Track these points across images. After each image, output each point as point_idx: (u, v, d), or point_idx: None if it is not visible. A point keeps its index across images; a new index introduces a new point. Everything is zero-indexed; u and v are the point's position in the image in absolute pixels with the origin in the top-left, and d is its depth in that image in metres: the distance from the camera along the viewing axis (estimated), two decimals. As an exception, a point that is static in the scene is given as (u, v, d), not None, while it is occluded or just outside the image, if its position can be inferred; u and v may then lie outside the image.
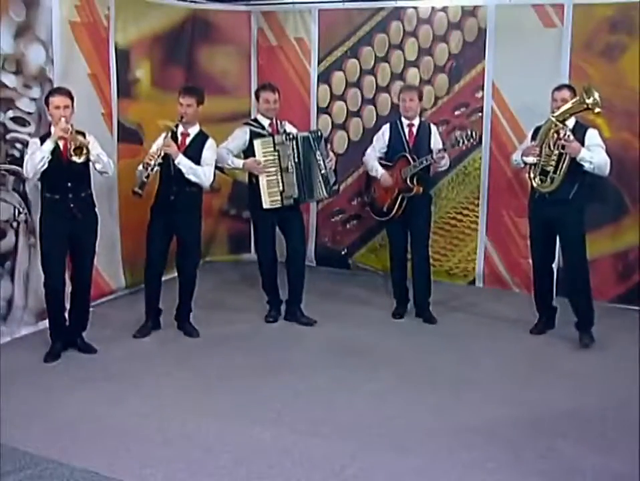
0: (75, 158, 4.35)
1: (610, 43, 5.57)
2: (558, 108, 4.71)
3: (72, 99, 4.45)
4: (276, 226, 5.34)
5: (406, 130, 5.31)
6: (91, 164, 4.54)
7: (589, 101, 4.53)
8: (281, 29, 6.67)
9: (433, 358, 4.76)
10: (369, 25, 6.38)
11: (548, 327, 5.17)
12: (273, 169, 5.13)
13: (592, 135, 4.76)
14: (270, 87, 5.29)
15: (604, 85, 5.25)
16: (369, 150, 5.44)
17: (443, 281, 6.26)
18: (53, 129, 4.43)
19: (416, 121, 5.33)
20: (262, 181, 5.14)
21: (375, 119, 6.44)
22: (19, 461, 3.38)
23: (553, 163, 4.71)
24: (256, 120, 5.31)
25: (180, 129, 4.90)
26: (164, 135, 4.80)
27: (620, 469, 3.38)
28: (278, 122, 5.29)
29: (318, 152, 5.14)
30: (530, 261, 5.22)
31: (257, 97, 5.31)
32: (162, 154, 4.71)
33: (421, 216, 5.36)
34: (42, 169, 4.35)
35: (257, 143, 5.13)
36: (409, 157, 5.22)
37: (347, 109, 6.57)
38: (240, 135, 5.24)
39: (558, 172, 4.70)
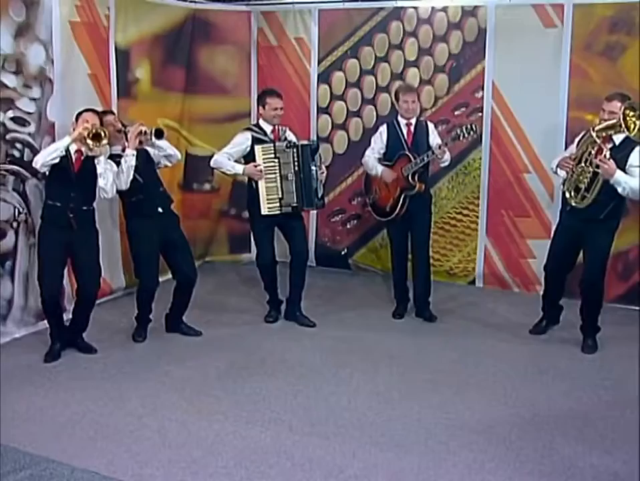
0: (91, 143, 4.33)
1: (610, 43, 5.57)
2: (605, 120, 4.44)
3: (100, 119, 4.52)
4: (274, 229, 5.33)
5: (404, 129, 5.30)
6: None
7: (638, 123, 4.25)
8: (281, 29, 6.66)
9: (433, 358, 4.76)
10: (369, 25, 6.37)
11: (552, 324, 5.16)
12: (273, 176, 5.13)
13: (637, 154, 4.47)
14: (278, 93, 5.26)
15: (604, 85, 5.24)
16: (367, 152, 5.43)
17: (443, 281, 6.26)
18: (74, 130, 4.42)
19: (413, 120, 5.33)
20: (262, 188, 5.13)
21: (375, 119, 6.43)
22: (19, 461, 3.38)
23: (586, 181, 4.53)
24: (258, 126, 5.28)
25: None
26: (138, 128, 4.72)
27: (620, 469, 3.38)
28: (280, 128, 5.28)
29: (312, 163, 5.14)
30: (543, 264, 5.09)
31: (263, 103, 5.21)
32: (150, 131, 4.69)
33: (422, 215, 5.36)
34: (52, 162, 4.32)
35: (258, 149, 5.11)
36: (410, 155, 5.22)
37: (347, 109, 6.57)
38: (242, 141, 5.21)
39: (590, 191, 4.52)
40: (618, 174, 4.44)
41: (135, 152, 4.64)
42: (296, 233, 5.31)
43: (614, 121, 4.38)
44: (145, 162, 4.78)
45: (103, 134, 4.38)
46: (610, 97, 4.52)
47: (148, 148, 4.81)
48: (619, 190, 4.49)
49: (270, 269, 5.39)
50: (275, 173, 5.12)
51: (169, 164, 5.02)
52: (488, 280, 6.29)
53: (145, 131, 4.65)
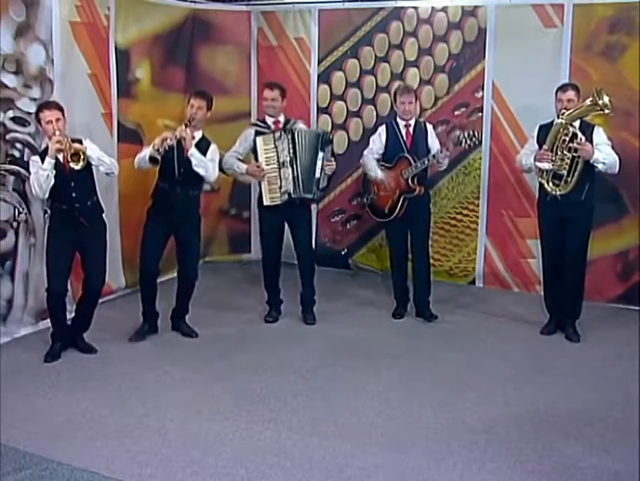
0: (73, 165, 4.32)
1: (610, 43, 5.57)
2: (565, 109, 4.70)
3: (62, 110, 4.44)
4: (282, 225, 5.33)
5: (403, 131, 5.30)
6: (94, 169, 4.55)
7: (601, 102, 4.54)
8: (281, 29, 6.66)
9: (433, 358, 4.76)
10: (369, 25, 6.38)
11: (558, 325, 5.16)
12: (274, 165, 5.13)
13: (599, 134, 4.77)
14: (270, 84, 5.30)
15: (604, 85, 5.22)
16: (366, 152, 5.42)
17: (443, 281, 6.26)
18: (49, 144, 4.38)
19: (412, 121, 5.33)
20: (264, 178, 5.14)
21: (375, 119, 6.43)
22: (19, 461, 3.38)
23: (566, 166, 4.71)
24: (262, 120, 5.32)
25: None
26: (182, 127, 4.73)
27: (620, 469, 3.38)
28: (290, 121, 5.29)
29: (320, 153, 5.12)
30: (541, 261, 5.19)
31: (261, 96, 5.32)
32: (178, 138, 4.67)
33: (421, 215, 5.36)
34: (49, 186, 4.35)
35: (259, 140, 5.13)
36: (410, 158, 5.22)
37: (347, 109, 6.57)
38: (245, 137, 5.26)
39: (571, 175, 4.71)
40: (597, 153, 4.67)
41: (161, 152, 4.63)
42: (300, 229, 5.31)
43: (588, 102, 4.64)
44: (189, 163, 4.77)
45: (81, 155, 4.32)
46: (564, 88, 4.82)
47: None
48: (600, 166, 4.71)
49: (272, 266, 5.40)
50: (275, 162, 5.12)
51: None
52: (488, 280, 6.29)
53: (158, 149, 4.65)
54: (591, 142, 4.70)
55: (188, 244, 5.00)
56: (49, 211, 4.71)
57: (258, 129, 5.23)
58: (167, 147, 4.64)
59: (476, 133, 5.17)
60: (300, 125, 5.34)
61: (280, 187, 5.13)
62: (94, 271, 4.65)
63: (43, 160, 4.35)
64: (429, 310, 5.46)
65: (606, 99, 4.56)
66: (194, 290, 5.13)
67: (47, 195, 4.40)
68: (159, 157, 4.63)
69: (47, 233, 4.63)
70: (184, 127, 4.72)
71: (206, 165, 4.79)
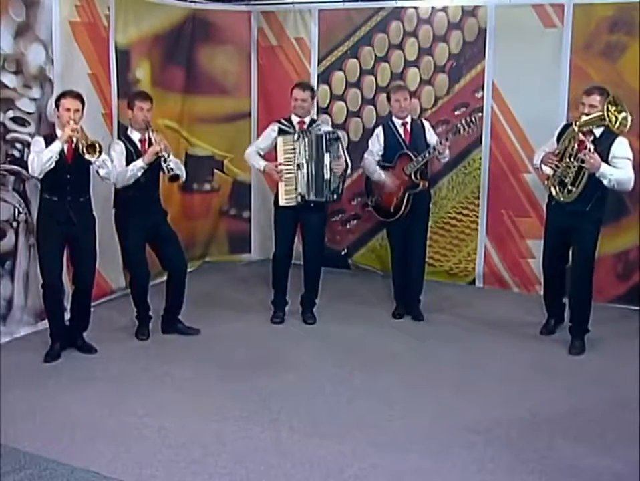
0: (88, 156, 4.36)
1: (610, 43, 5.58)
2: (586, 114, 4.47)
3: (83, 103, 4.49)
4: (296, 226, 5.32)
5: (400, 129, 5.30)
6: (92, 168, 4.55)
7: (619, 117, 4.31)
8: (281, 29, 6.66)
9: (433, 358, 4.76)
10: (369, 25, 6.38)
11: (558, 323, 5.15)
12: (291, 166, 5.13)
13: (619, 146, 4.51)
14: (302, 85, 5.30)
15: (604, 85, 5.24)
16: (366, 155, 5.42)
17: (444, 281, 6.27)
18: (59, 132, 4.45)
19: (408, 119, 5.33)
20: (282, 179, 5.15)
21: (375, 119, 6.43)
22: (19, 461, 3.38)
23: (571, 175, 4.55)
24: (287, 119, 5.29)
25: (140, 135, 4.85)
26: (156, 136, 4.76)
27: (619, 469, 3.38)
28: (315, 121, 5.29)
29: (327, 154, 5.11)
30: (541, 263, 5.14)
31: (290, 95, 5.26)
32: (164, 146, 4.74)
33: (420, 214, 5.37)
34: (49, 168, 4.35)
35: (279, 140, 5.15)
36: (410, 154, 5.22)
37: (347, 109, 6.57)
38: (268, 133, 5.28)
39: (576, 185, 4.54)
40: (604, 167, 4.47)
41: (146, 166, 4.69)
42: (311, 232, 5.29)
43: (597, 114, 4.44)
44: (154, 166, 4.78)
45: (97, 147, 4.37)
46: (589, 91, 4.55)
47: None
48: (605, 182, 4.51)
49: (282, 265, 5.37)
50: (292, 163, 5.12)
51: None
52: (488, 280, 6.29)
53: (165, 158, 4.67)
54: (608, 153, 4.50)
55: (172, 237, 5.00)
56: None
57: (282, 127, 5.23)
58: (163, 158, 4.69)
59: (474, 119, 5.08)
60: (325, 127, 5.32)
61: (296, 188, 5.13)
62: (84, 266, 4.66)
63: (46, 144, 4.37)
64: (418, 310, 5.46)
65: (628, 117, 4.29)
66: (185, 282, 5.09)
67: (41, 176, 4.38)
68: (173, 168, 4.72)
69: (37, 227, 4.63)
70: (155, 134, 4.75)
71: (180, 165, 4.96)
